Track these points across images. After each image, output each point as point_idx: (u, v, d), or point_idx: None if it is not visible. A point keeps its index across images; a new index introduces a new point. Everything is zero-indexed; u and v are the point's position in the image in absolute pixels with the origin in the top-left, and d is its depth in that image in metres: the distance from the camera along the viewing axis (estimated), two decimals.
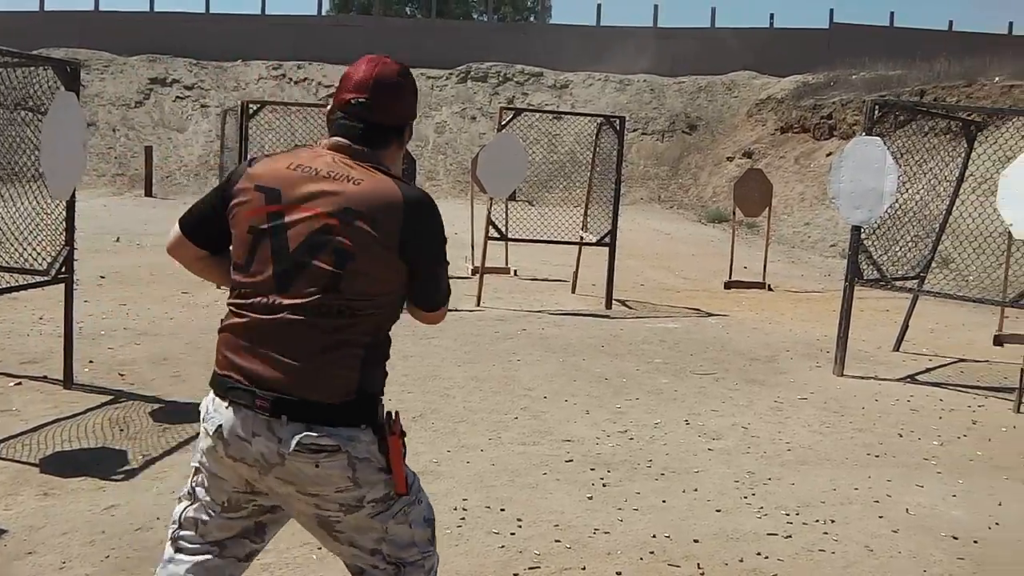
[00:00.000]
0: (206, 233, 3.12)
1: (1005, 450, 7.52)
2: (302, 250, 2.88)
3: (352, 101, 3.04)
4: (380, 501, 2.96)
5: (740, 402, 8.48)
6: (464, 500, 5.81)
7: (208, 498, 3.07)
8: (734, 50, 35.60)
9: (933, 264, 11.46)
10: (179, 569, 3.07)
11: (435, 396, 8.13)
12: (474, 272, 14.10)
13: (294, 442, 2.84)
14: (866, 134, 10.08)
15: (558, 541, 5.30)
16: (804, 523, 5.75)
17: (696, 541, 5.41)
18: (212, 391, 3.00)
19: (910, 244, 11.22)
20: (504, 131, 13.36)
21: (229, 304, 3.01)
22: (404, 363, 9.07)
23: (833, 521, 5.79)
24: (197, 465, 3.08)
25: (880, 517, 5.93)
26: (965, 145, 11.31)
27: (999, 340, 11.63)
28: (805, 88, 30.00)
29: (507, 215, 14.60)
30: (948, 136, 11.87)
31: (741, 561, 5.16)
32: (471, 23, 45.96)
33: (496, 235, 13.25)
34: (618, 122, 13.76)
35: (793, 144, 27.48)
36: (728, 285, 15.56)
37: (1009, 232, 9.54)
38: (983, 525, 5.88)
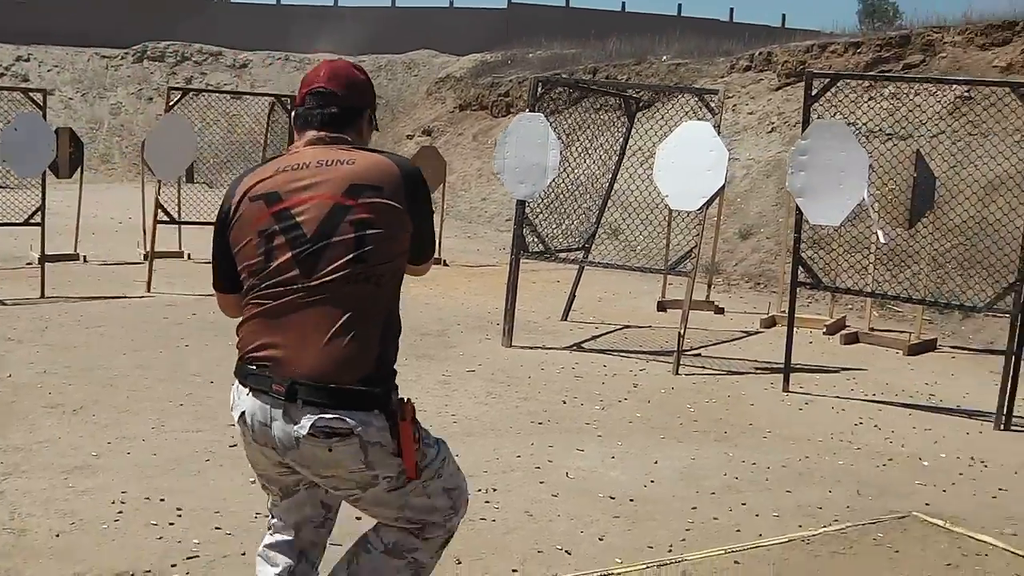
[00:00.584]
0: (236, 276, 3.24)
1: (662, 411, 7.87)
2: (320, 233, 3.03)
3: (312, 91, 3.27)
4: (395, 478, 3.08)
5: (408, 377, 8.43)
6: (123, 493, 5.60)
7: (267, 484, 3.34)
8: (414, 29, 35.77)
9: (604, 235, 11.86)
10: (269, 547, 3.40)
11: (98, 387, 7.81)
12: (145, 257, 13.66)
13: (308, 426, 2.96)
14: (530, 111, 10.32)
15: (218, 528, 5.21)
16: None
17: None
18: (237, 380, 3.14)
19: (580, 216, 11.57)
20: (173, 112, 13.10)
21: (250, 301, 3.14)
22: (68, 354, 8.73)
23: (495, 489, 5.91)
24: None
25: (541, 483, 6.09)
26: (627, 121, 11.75)
27: (662, 306, 12.24)
28: (483, 67, 30.39)
29: (179, 197, 14.51)
30: (618, 112, 12.31)
31: None
32: (148, 0, 44.34)
33: (166, 218, 12.94)
34: (289, 101, 13.64)
35: (471, 121, 27.83)
36: None
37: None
38: (639, 484, 6.14)
